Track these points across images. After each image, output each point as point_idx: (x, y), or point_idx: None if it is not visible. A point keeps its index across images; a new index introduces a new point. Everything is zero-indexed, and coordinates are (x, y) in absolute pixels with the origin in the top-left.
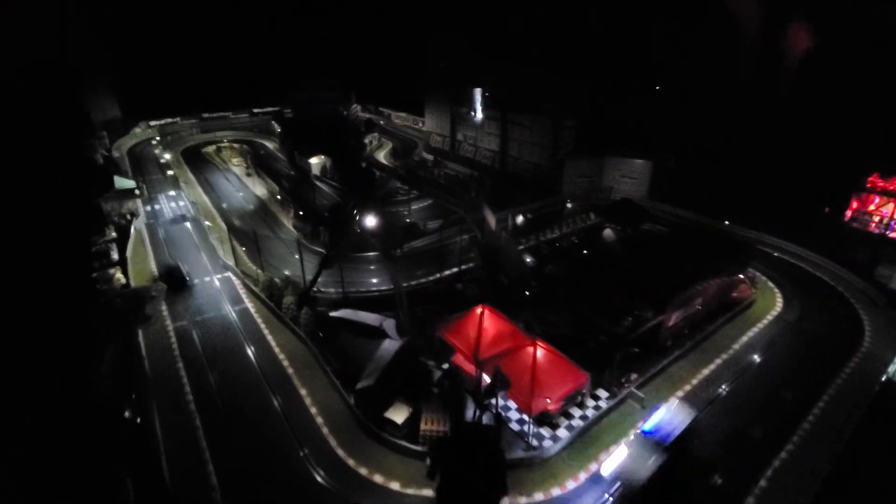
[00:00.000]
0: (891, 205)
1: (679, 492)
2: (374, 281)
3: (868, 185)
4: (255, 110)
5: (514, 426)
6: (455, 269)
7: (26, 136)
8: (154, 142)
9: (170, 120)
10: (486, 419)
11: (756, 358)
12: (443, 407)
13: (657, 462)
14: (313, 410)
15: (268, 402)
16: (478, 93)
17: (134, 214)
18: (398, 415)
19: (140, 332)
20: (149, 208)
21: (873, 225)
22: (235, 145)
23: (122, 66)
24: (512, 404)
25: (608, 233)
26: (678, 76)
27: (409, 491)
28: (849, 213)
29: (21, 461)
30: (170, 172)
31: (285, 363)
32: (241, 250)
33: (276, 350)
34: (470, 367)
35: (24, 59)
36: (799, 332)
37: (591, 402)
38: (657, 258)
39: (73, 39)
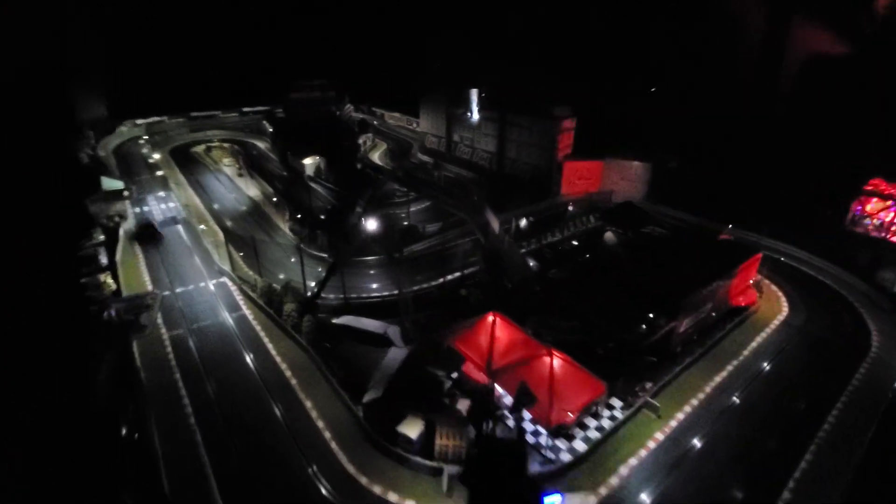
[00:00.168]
0: (892, 210)
1: None
2: (375, 286)
3: (869, 189)
4: (245, 109)
5: (530, 438)
6: (458, 274)
7: (6, 133)
8: (142, 141)
9: (157, 119)
10: (498, 432)
11: (766, 365)
12: (471, 424)
13: None
14: (320, 424)
15: (270, 414)
16: (474, 93)
17: (122, 217)
18: (412, 429)
19: (134, 342)
20: (137, 210)
21: (871, 227)
22: (226, 145)
23: (107, 62)
24: (524, 415)
25: (609, 236)
26: (678, 76)
27: None
28: (849, 216)
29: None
30: (159, 173)
31: (288, 373)
32: (239, 255)
33: (278, 359)
34: (481, 377)
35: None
36: (806, 337)
37: (605, 412)
38: (663, 262)
39: (69, 36)
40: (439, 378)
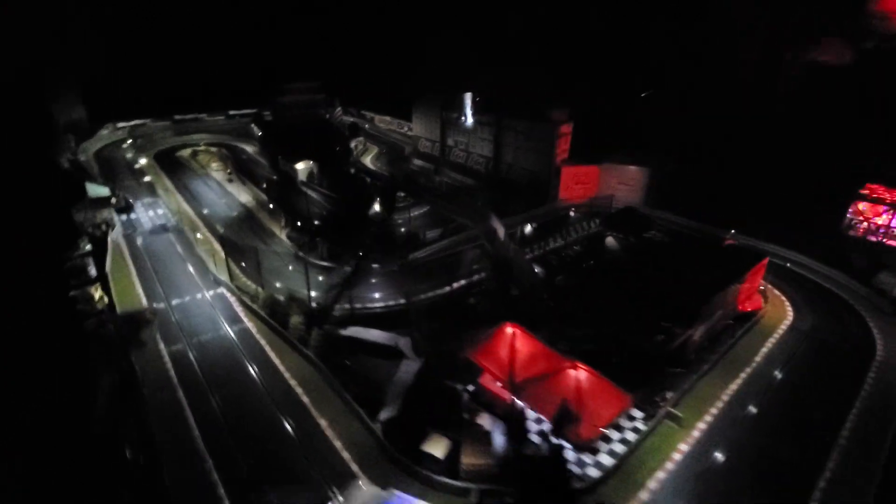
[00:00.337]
0: (886, 214)
1: None
2: (377, 296)
3: (865, 193)
4: (232, 112)
5: None
6: (464, 282)
7: None
8: (125, 145)
9: (139, 121)
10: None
11: (778, 372)
12: (505, 445)
13: None
14: (337, 444)
15: (283, 433)
16: (468, 97)
17: (110, 225)
18: (438, 448)
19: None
20: (125, 217)
21: (862, 230)
22: (212, 149)
23: (85, 61)
24: (547, 426)
25: (611, 241)
26: (678, 77)
27: None
28: (846, 220)
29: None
30: (146, 178)
31: (298, 390)
32: (241, 265)
33: (286, 375)
34: (498, 389)
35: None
36: (813, 342)
37: (626, 423)
38: (673, 268)
39: (44, 35)
40: (457, 392)
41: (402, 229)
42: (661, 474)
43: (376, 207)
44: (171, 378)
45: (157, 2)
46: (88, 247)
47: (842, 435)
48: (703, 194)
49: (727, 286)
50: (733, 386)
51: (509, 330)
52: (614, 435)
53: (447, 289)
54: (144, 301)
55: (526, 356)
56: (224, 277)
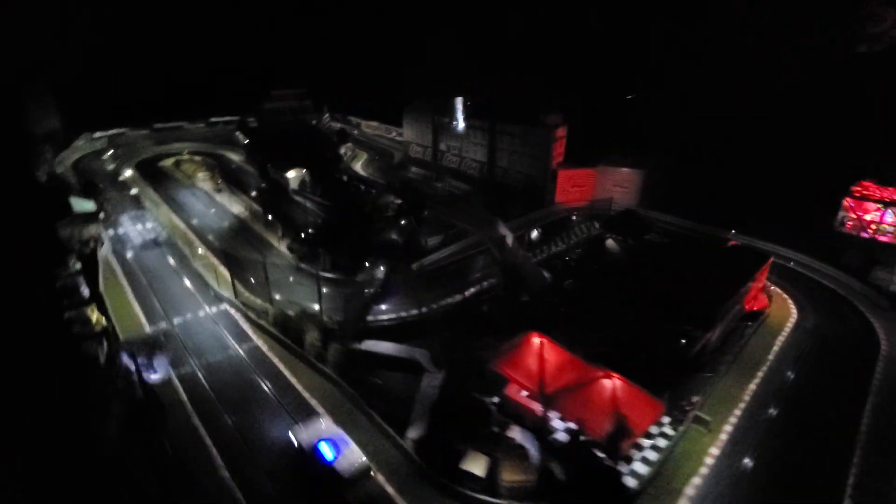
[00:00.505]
0: (877, 212)
1: None
2: (383, 307)
3: (856, 192)
4: (214, 120)
5: None
6: (475, 289)
7: None
8: (105, 156)
9: (117, 131)
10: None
11: (791, 370)
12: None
13: None
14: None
15: None
16: (459, 102)
17: (98, 241)
18: (477, 466)
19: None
20: (111, 232)
21: (850, 225)
22: (196, 158)
23: (59, 68)
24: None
25: (611, 244)
26: (672, 79)
27: None
28: (838, 217)
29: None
30: (133, 191)
31: (320, 409)
32: (249, 279)
33: (306, 395)
34: (524, 400)
35: None
36: (819, 339)
37: (654, 429)
38: (681, 270)
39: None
40: (486, 405)
41: (398, 237)
42: (697, 480)
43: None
44: (185, 403)
45: (134, 7)
46: (78, 265)
47: (861, 431)
48: (697, 195)
49: (742, 286)
50: (752, 386)
51: (536, 340)
52: (644, 442)
53: (458, 297)
54: (144, 321)
55: (555, 366)
56: (227, 293)
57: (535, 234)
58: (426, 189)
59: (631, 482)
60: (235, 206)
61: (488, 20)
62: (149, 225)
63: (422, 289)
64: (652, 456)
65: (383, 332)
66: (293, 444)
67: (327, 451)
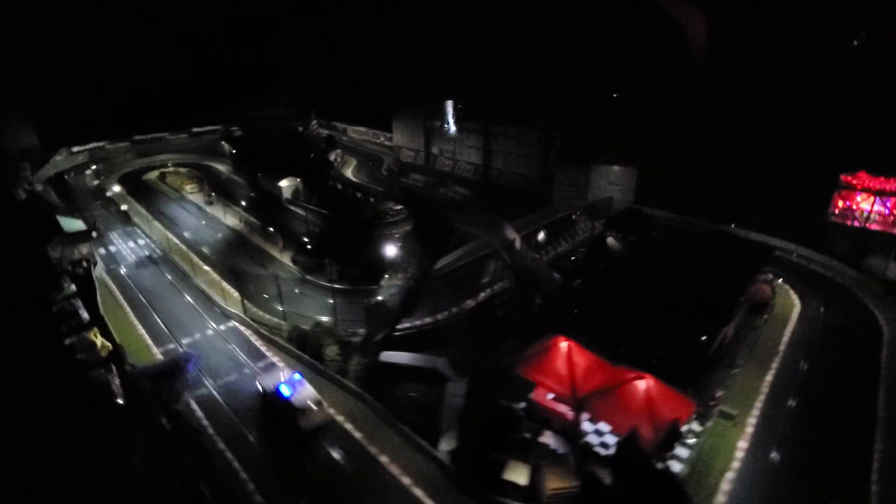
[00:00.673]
0: (868, 201)
1: None
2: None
3: (846, 182)
4: (196, 130)
5: None
6: (488, 292)
7: None
8: (89, 172)
9: (96, 144)
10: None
11: (803, 360)
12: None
13: None
14: (406, 481)
15: (339, 472)
16: (449, 105)
17: (91, 261)
18: (519, 475)
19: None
20: (102, 251)
21: (837, 215)
22: (182, 170)
23: (37, 84)
24: (609, 439)
25: (612, 242)
26: (664, 79)
27: None
28: (831, 209)
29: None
30: (123, 207)
31: (348, 425)
32: (264, 296)
33: (332, 411)
34: (552, 404)
35: None
36: (826, 327)
37: (682, 427)
38: (690, 266)
39: None
40: (516, 411)
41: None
42: (730, 475)
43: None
44: (206, 427)
45: (108, 17)
46: (73, 287)
47: (878, 416)
48: (691, 190)
49: (753, 279)
50: (768, 378)
51: (563, 344)
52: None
53: (471, 302)
54: (150, 342)
55: (585, 369)
56: (235, 309)
57: (541, 235)
58: (430, 193)
59: None
60: (230, 219)
61: (480, 22)
62: (141, 241)
63: (442, 296)
64: (683, 453)
65: (399, 343)
66: (259, 390)
67: (285, 391)
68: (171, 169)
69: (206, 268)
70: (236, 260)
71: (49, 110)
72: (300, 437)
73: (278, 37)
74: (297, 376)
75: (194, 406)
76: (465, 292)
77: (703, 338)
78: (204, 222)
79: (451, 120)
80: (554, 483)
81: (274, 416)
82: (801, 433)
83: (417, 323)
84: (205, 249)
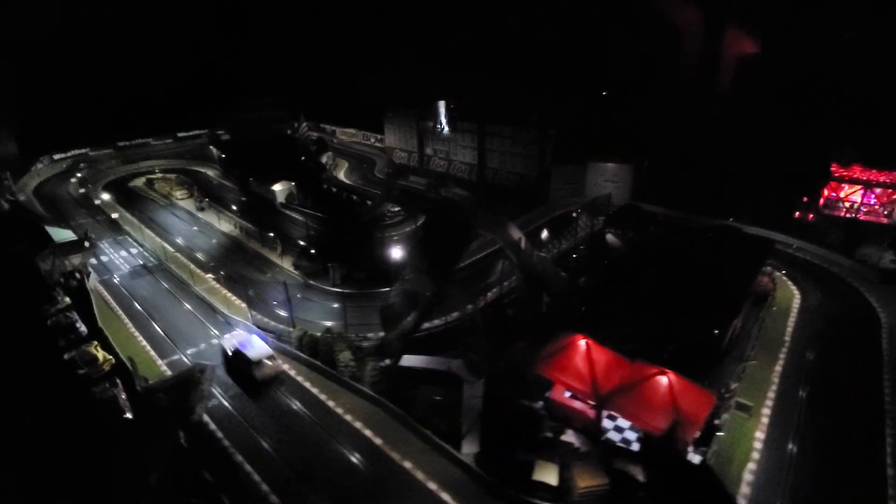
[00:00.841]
0: (858, 192)
1: None
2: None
3: (835, 174)
4: (181, 134)
5: None
6: (496, 290)
7: None
8: (74, 180)
9: (78, 152)
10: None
11: (808, 351)
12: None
13: None
14: (432, 486)
15: (371, 489)
16: (442, 105)
17: (83, 272)
18: (549, 475)
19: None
20: (94, 261)
21: (825, 205)
22: (170, 176)
23: (15, 89)
24: (630, 435)
25: (611, 238)
26: (656, 77)
27: None
28: (823, 200)
29: None
30: (114, 215)
31: (367, 432)
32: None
33: (348, 417)
34: (570, 401)
35: None
36: (826, 316)
37: None
38: (694, 260)
39: None
40: (536, 411)
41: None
42: (751, 465)
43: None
44: (220, 439)
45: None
46: (67, 299)
47: (885, 401)
48: (686, 186)
49: (758, 271)
50: (777, 368)
51: (582, 342)
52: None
53: (481, 302)
54: (154, 355)
55: (604, 366)
56: (239, 317)
57: (545, 234)
58: (433, 194)
59: None
60: (224, 224)
61: (472, 22)
62: (133, 250)
63: (454, 297)
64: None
65: (411, 345)
66: (224, 351)
67: (244, 348)
68: (158, 175)
69: (206, 275)
70: (235, 266)
71: (28, 117)
72: (257, 385)
73: (264, 38)
74: (253, 337)
75: (207, 419)
76: (475, 292)
77: (716, 331)
78: (197, 228)
79: (444, 120)
80: (585, 481)
81: (235, 370)
82: (814, 422)
83: (427, 325)
84: (201, 256)
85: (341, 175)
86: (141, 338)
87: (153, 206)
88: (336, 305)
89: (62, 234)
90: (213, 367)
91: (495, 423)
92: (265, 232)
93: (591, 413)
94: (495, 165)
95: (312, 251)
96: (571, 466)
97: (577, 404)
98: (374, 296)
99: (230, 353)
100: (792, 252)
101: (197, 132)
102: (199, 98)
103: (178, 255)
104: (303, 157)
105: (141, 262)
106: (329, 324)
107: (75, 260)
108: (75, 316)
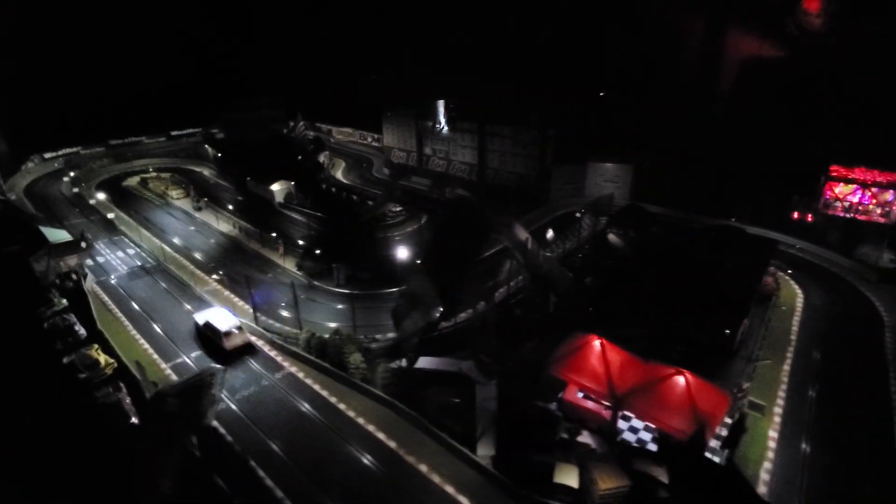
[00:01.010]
0: (855, 193)
1: None
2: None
3: (834, 174)
4: (174, 133)
5: None
6: (502, 290)
7: None
8: (66, 179)
9: (70, 150)
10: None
11: (815, 350)
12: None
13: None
14: (449, 489)
15: (388, 493)
16: (441, 105)
17: (79, 273)
18: (570, 478)
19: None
20: (90, 262)
21: (822, 205)
22: (164, 175)
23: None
24: (644, 435)
25: (613, 238)
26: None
27: None
28: (821, 200)
29: None
30: (110, 215)
31: (380, 435)
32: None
33: (360, 420)
34: (583, 401)
35: None
36: (829, 315)
37: None
38: (698, 260)
39: None
40: (551, 412)
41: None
42: (767, 465)
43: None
44: (231, 444)
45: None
46: (64, 301)
47: (893, 401)
48: (687, 186)
49: (764, 271)
50: (786, 367)
51: (596, 342)
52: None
53: (490, 302)
54: (157, 358)
55: (619, 367)
56: (243, 319)
57: (550, 234)
58: (437, 194)
59: None
60: (223, 224)
61: (471, 22)
62: (130, 251)
63: (467, 298)
64: (716, 445)
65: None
66: (195, 324)
67: (213, 322)
68: (152, 174)
69: (206, 276)
70: (235, 267)
71: (17, 115)
72: (227, 354)
73: (260, 36)
74: (223, 310)
75: (215, 423)
76: (483, 292)
77: (727, 331)
78: (194, 228)
79: (443, 120)
80: (606, 483)
81: (206, 340)
82: (825, 421)
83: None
84: (200, 257)
85: (339, 174)
86: (143, 340)
87: (148, 206)
88: (340, 306)
89: (57, 235)
90: (223, 370)
91: (511, 425)
92: (266, 232)
93: (605, 413)
94: (495, 165)
95: (317, 251)
96: (591, 468)
97: (591, 405)
98: (380, 297)
99: (201, 325)
100: (794, 252)
101: (191, 131)
102: (199, 98)
103: (177, 255)
104: (300, 157)
105: (139, 263)
106: (334, 325)
107: (71, 261)
108: (73, 318)
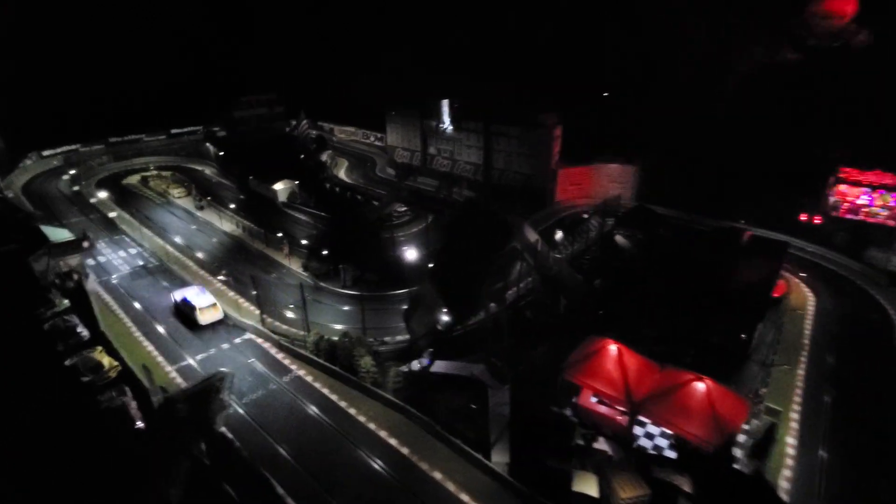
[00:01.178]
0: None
1: None
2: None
3: (842, 176)
4: (175, 131)
5: None
6: (512, 292)
7: None
8: (66, 177)
9: (69, 147)
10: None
11: (828, 354)
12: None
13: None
14: (465, 497)
15: (403, 502)
16: (445, 104)
17: (82, 273)
18: (590, 486)
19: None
20: (91, 262)
21: (830, 207)
22: (165, 173)
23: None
24: (661, 441)
25: (620, 239)
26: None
27: None
28: (829, 202)
29: None
30: (112, 214)
31: (392, 441)
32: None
33: (371, 426)
34: (597, 406)
35: None
36: (842, 318)
37: None
38: (712, 263)
39: None
40: (567, 417)
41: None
42: (787, 472)
43: None
44: (239, 449)
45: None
46: (66, 302)
47: None
48: (692, 187)
49: (777, 274)
50: (800, 371)
51: (613, 347)
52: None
53: (500, 304)
54: (162, 361)
55: (636, 372)
56: (249, 321)
57: (559, 235)
58: (444, 195)
59: None
60: (226, 224)
61: (475, 21)
62: (132, 250)
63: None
64: (738, 453)
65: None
66: (173, 301)
67: (189, 299)
68: (153, 172)
69: (211, 276)
70: (239, 267)
71: (16, 114)
72: (201, 328)
73: (264, 38)
74: (199, 289)
75: (223, 428)
76: (494, 294)
77: (743, 336)
78: (196, 228)
79: (447, 120)
80: (626, 492)
81: (182, 316)
82: (842, 427)
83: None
84: (203, 257)
85: (341, 174)
86: (147, 342)
87: (149, 205)
88: (347, 308)
89: (58, 234)
90: (233, 374)
91: (525, 431)
92: (271, 232)
93: (620, 419)
94: (500, 166)
95: (324, 252)
96: (609, 476)
97: (605, 410)
98: (387, 298)
99: (178, 301)
100: (803, 255)
101: (191, 129)
102: (199, 97)
103: (180, 255)
104: (302, 156)
105: (141, 263)
106: (340, 327)
107: (72, 261)
108: (75, 319)
